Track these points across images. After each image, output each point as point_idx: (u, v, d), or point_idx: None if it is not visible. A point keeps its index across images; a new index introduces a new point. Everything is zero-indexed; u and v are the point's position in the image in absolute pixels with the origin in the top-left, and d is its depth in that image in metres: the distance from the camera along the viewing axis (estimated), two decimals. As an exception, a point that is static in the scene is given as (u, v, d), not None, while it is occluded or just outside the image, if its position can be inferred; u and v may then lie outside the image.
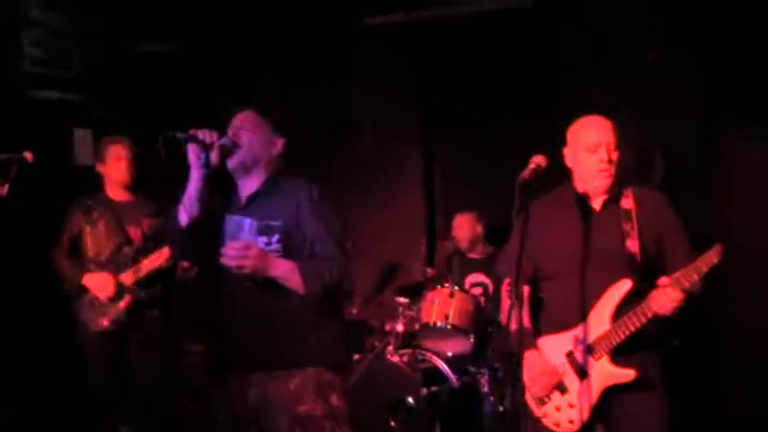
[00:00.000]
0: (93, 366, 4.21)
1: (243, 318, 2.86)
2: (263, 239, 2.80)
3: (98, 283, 4.19)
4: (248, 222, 2.82)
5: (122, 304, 4.20)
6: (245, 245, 2.64)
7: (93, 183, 4.39)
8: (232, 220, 2.89)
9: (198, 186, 2.82)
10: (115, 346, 4.20)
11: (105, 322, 4.18)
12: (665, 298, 2.78)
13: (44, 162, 3.36)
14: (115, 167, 4.33)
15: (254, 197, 2.91)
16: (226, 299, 2.95)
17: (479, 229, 5.43)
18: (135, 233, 4.32)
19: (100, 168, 4.37)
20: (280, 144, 2.97)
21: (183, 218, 2.84)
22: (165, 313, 4.34)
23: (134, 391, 4.22)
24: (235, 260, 2.62)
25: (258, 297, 2.79)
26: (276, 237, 2.80)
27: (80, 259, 4.28)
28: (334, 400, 2.85)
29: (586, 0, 5.33)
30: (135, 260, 4.25)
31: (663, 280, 2.80)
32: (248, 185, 2.93)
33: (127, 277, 4.23)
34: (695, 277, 2.75)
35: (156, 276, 4.25)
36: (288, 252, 2.80)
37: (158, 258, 4.20)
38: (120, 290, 4.19)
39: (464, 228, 5.43)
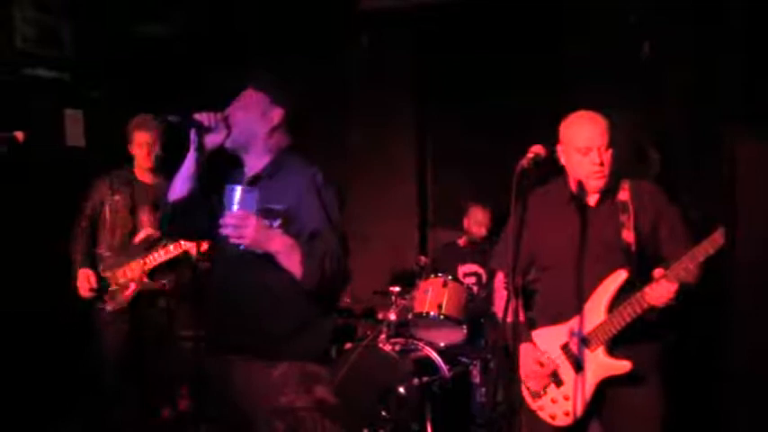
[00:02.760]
0: (104, 349, 4.23)
1: (232, 299, 2.80)
2: (264, 223, 2.70)
3: (81, 279, 4.19)
4: (241, 192, 2.63)
5: (127, 293, 4.23)
6: (245, 215, 2.54)
7: (84, 163, 4.34)
8: (234, 190, 2.69)
9: (189, 167, 2.82)
10: (126, 332, 4.23)
11: (109, 307, 4.23)
12: (660, 290, 2.76)
13: (35, 142, 3.30)
14: (139, 154, 4.33)
15: (256, 179, 2.84)
16: (217, 280, 2.91)
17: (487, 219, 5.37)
18: (150, 218, 4.28)
19: (130, 149, 4.36)
20: (277, 116, 2.85)
21: (173, 193, 2.85)
22: (177, 304, 4.34)
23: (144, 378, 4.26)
24: (233, 230, 2.54)
25: (250, 280, 2.74)
26: (278, 221, 2.72)
27: (95, 238, 4.28)
28: (319, 392, 2.78)
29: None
30: (147, 249, 4.26)
31: (657, 271, 2.78)
32: (252, 165, 2.88)
33: (136, 267, 4.23)
34: (690, 266, 2.73)
35: (172, 266, 4.27)
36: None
37: (173, 249, 4.21)
38: (105, 284, 4.20)
39: (482, 220, 5.35)
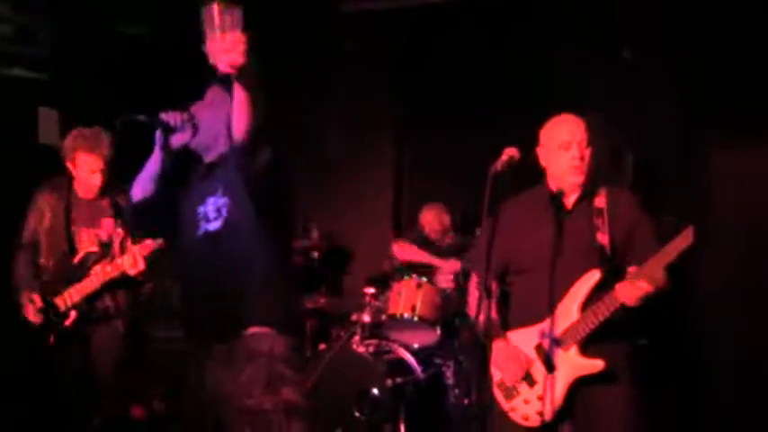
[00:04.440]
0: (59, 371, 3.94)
1: (198, 291, 2.84)
2: (212, 200, 2.78)
3: (25, 303, 3.88)
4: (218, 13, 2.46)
5: (67, 322, 3.88)
6: (236, 37, 2.37)
7: (58, 163, 4.24)
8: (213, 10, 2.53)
9: (155, 167, 2.83)
10: (76, 356, 3.92)
11: (51, 339, 3.88)
12: (631, 288, 2.79)
13: (7, 140, 3.27)
14: (83, 179, 3.93)
15: (212, 166, 2.85)
16: (190, 270, 2.92)
17: (447, 220, 5.44)
18: (86, 237, 3.94)
19: (68, 166, 3.95)
20: None
21: (137, 193, 2.86)
22: (129, 322, 3.98)
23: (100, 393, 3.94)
24: (225, 54, 2.39)
25: (212, 270, 2.77)
26: (220, 190, 2.77)
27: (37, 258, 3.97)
28: (286, 393, 2.77)
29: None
30: (88, 269, 3.89)
31: (631, 269, 2.81)
32: (212, 156, 2.87)
33: (75, 292, 3.86)
34: (661, 264, 2.76)
35: (118, 285, 3.90)
36: (234, 200, 2.76)
37: (110, 271, 3.83)
38: (47, 310, 3.85)
39: (432, 220, 5.44)
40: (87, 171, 3.90)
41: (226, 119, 2.79)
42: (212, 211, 2.79)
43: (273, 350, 2.75)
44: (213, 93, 2.87)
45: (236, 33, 2.35)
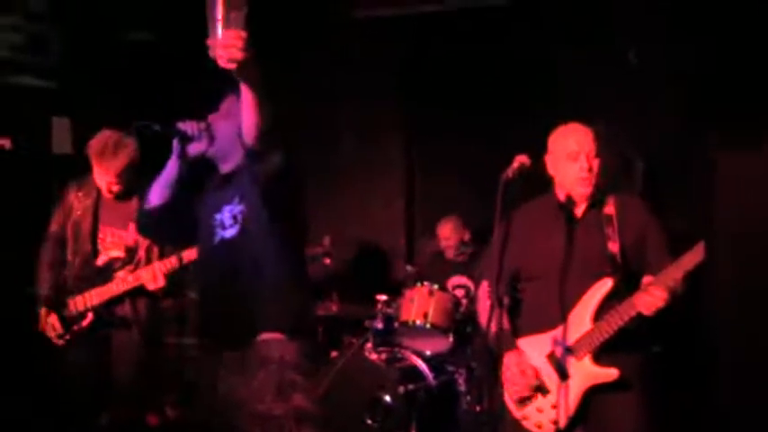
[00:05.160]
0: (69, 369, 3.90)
1: (227, 289, 2.83)
2: (228, 207, 2.81)
3: (45, 323, 3.85)
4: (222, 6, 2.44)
5: (84, 322, 3.86)
6: (235, 34, 2.36)
7: (72, 172, 4.21)
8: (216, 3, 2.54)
9: (171, 174, 2.85)
10: (88, 357, 3.89)
11: (64, 339, 3.86)
12: (649, 297, 2.78)
13: (22, 150, 3.29)
14: (104, 184, 3.86)
15: (228, 176, 2.89)
16: (206, 276, 2.95)
17: (466, 235, 5.42)
18: (111, 238, 3.91)
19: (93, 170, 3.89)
20: None
21: (154, 199, 2.87)
22: (146, 331, 3.94)
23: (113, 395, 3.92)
24: (224, 50, 2.37)
25: (228, 277, 2.79)
26: (236, 198, 2.81)
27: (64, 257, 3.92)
28: (297, 400, 2.78)
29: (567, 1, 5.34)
30: (111, 273, 3.88)
31: (647, 279, 2.81)
32: (227, 166, 2.91)
33: (95, 295, 3.85)
34: (679, 275, 2.75)
35: (139, 294, 3.87)
36: (250, 208, 2.78)
37: (131, 281, 3.82)
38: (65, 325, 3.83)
39: (449, 234, 5.41)
40: (101, 179, 3.87)
41: (240, 129, 2.85)
42: (228, 219, 2.82)
43: (284, 356, 2.75)
44: (229, 103, 2.89)
45: (237, 30, 2.34)
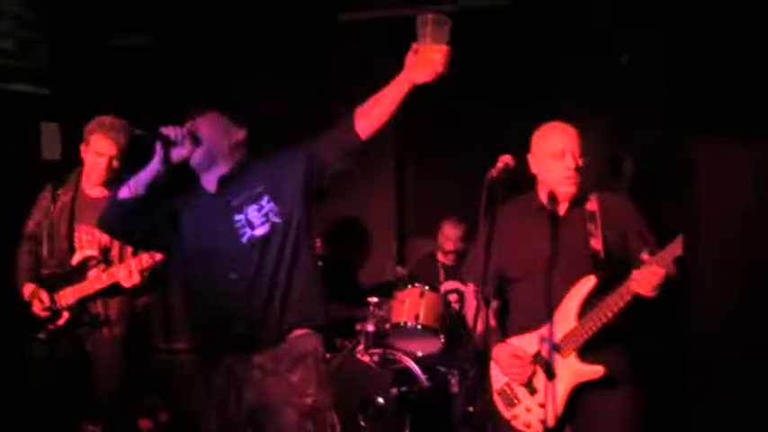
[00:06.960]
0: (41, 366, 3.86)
1: (239, 294, 2.85)
2: (254, 207, 2.85)
3: (35, 303, 3.82)
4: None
5: (59, 321, 3.83)
6: (445, 49, 2.69)
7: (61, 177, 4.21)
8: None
9: (149, 175, 2.84)
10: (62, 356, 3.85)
11: (42, 336, 3.83)
12: (648, 274, 2.75)
13: (10, 156, 3.29)
14: (94, 164, 3.82)
15: (225, 179, 2.92)
16: (211, 281, 2.93)
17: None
18: (86, 237, 3.86)
19: (82, 151, 3.86)
20: (241, 133, 2.97)
21: (124, 192, 2.86)
22: (126, 331, 3.90)
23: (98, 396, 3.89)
24: (434, 64, 2.71)
25: (265, 273, 2.83)
26: (265, 198, 2.86)
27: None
28: (331, 391, 2.94)
29: (560, 3, 5.35)
30: (84, 272, 3.85)
31: (644, 257, 2.79)
32: (214, 173, 2.94)
33: (70, 293, 3.82)
34: (670, 257, 2.73)
35: (113, 293, 3.82)
36: (283, 206, 2.86)
37: (105, 279, 3.78)
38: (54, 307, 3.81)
39: (455, 235, 5.39)
40: (97, 154, 3.80)
41: (225, 135, 2.93)
42: (258, 217, 2.85)
43: (318, 349, 2.88)
44: (212, 114, 2.94)
45: (443, 45, 2.63)
